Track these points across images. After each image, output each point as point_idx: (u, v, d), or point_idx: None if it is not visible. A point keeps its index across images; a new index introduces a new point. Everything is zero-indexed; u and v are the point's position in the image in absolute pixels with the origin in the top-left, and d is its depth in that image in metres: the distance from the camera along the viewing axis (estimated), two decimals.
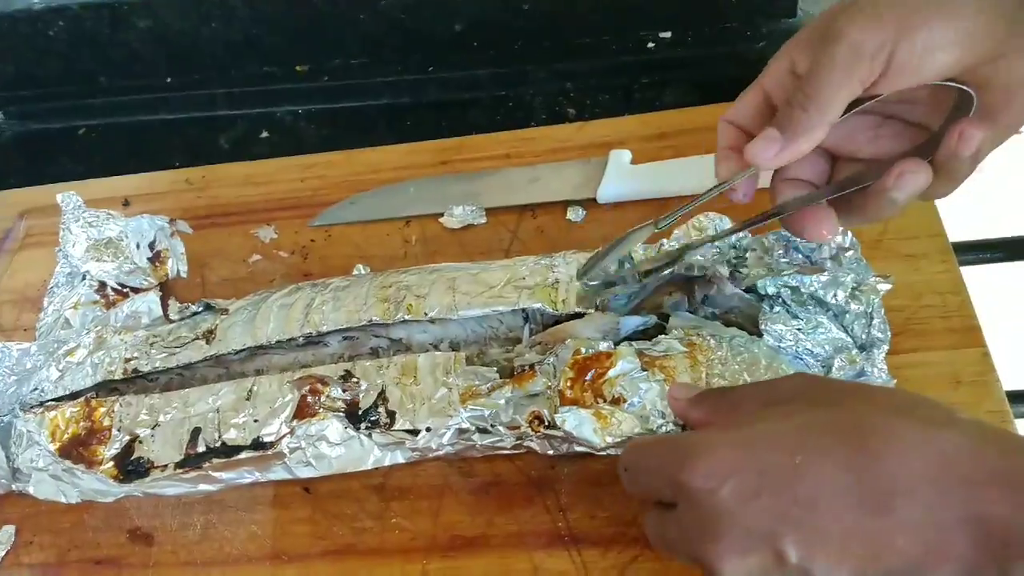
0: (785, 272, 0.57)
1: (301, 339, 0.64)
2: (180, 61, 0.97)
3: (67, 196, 0.73)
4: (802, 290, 0.57)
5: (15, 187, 0.89)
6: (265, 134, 0.93)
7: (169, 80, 0.98)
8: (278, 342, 0.64)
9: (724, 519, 0.39)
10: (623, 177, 0.73)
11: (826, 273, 0.56)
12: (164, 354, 0.65)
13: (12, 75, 0.98)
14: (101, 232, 0.72)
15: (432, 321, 0.63)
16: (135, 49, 0.95)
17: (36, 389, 0.65)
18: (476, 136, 0.81)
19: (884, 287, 0.57)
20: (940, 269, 0.63)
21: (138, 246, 0.73)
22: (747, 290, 0.59)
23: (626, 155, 0.74)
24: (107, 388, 0.66)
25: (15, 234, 0.85)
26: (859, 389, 0.47)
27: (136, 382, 0.67)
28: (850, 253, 0.58)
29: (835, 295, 0.56)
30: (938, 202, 0.66)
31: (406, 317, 0.63)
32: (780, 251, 0.58)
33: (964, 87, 0.43)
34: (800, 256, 0.58)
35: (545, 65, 0.90)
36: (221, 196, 0.83)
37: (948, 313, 0.61)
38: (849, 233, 0.59)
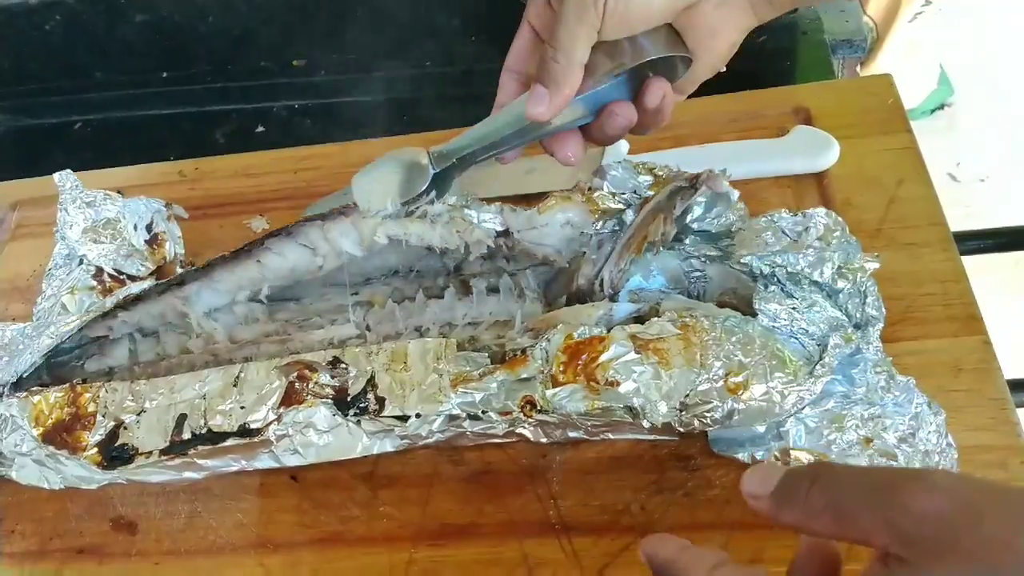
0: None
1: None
2: (176, 56, 0.97)
3: (64, 175, 0.71)
4: (788, 269, 0.56)
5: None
6: (261, 128, 0.92)
7: (165, 75, 0.98)
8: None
9: None
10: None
11: (811, 249, 0.56)
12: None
13: (7, 69, 0.99)
14: (99, 212, 0.71)
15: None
16: (131, 44, 0.95)
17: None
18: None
19: (872, 266, 0.57)
20: (941, 258, 0.62)
21: (135, 227, 0.72)
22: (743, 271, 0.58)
23: (623, 146, 0.73)
24: (98, 375, 0.65)
25: (6, 225, 0.84)
26: None
27: (118, 372, 0.66)
28: (837, 234, 0.57)
29: (821, 272, 0.56)
30: (940, 193, 0.66)
31: None
32: (768, 232, 0.58)
33: (685, 55, 0.52)
34: (787, 238, 0.57)
35: None
36: (214, 188, 0.82)
37: (949, 301, 0.60)
38: (832, 213, 0.58)
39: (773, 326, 0.55)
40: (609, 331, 0.57)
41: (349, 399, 0.58)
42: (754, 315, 0.56)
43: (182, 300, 0.66)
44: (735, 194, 0.60)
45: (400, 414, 0.57)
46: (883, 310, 0.56)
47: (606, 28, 0.50)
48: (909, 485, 0.32)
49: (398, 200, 0.61)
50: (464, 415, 0.57)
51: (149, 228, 0.73)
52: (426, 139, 0.80)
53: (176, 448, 0.59)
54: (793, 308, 0.55)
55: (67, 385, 0.62)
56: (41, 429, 0.60)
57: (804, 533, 0.38)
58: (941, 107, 1.89)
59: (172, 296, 0.66)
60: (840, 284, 0.56)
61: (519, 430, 0.58)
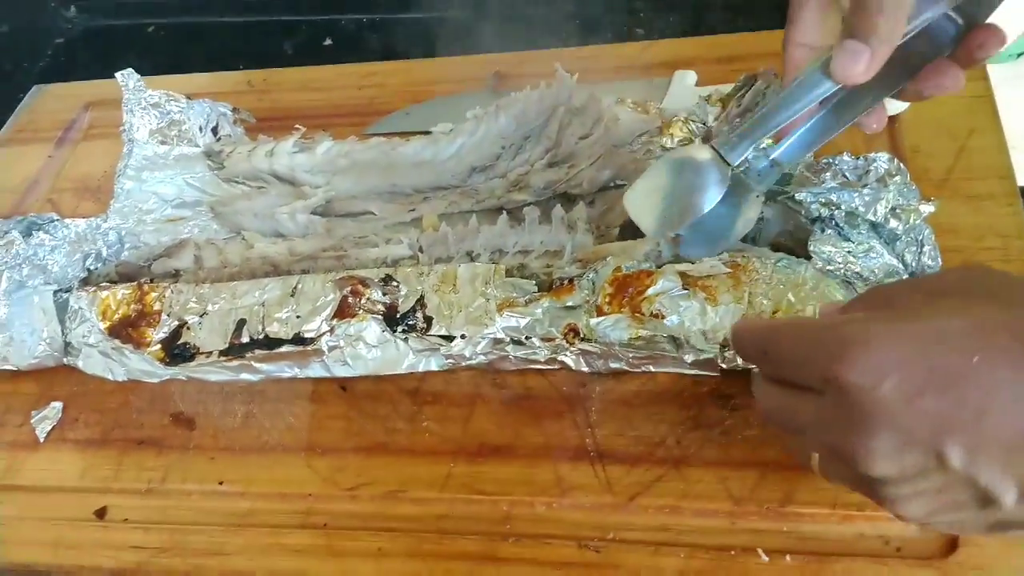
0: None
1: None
2: None
3: (126, 74, 0.72)
4: (843, 207, 0.55)
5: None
6: (328, 41, 0.92)
7: None
8: None
9: (882, 417, 0.36)
10: (686, 99, 0.70)
11: (867, 189, 0.55)
12: None
13: None
14: (164, 114, 0.73)
15: None
16: None
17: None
18: (536, 51, 0.79)
19: (927, 209, 0.55)
20: (1006, 212, 0.60)
21: (201, 129, 0.73)
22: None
23: (691, 76, 0.72)
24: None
25: (79, 125, 0.87)
26: None
27: (183, 275, 0.69)
28: (896, 179, 0.56)
29: (875, 211, 0.55)
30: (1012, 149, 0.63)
31: None
32: (828, 173, 0.56)
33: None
34: (846, 180, 0.56)
35: None
36: (280, 100, 0.83)
37: (1009, 257, 0.58)
38: (895, 159, 0.57)
39: (827, 269, 0.54)
40: (659, 268, 0.57)
41: (398, 316, 0.60)
42: (808, 258, 0.55)
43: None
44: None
45: (446, 334, 0.59)
46: (939, 260, 0.55)
47: None
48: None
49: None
50: (508, 339, 0.59)
51: (215, 131, 0.74)
52: (490, 59, 0.80)
53: (234, 350, 0.62)
54: (848, 252, 0.55)
55: (135, 283, 0.65)
56: (108, 323, 0.64)
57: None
58: None
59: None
60: (893, 223, 0.55)
61: (561, 357, 0.59)
